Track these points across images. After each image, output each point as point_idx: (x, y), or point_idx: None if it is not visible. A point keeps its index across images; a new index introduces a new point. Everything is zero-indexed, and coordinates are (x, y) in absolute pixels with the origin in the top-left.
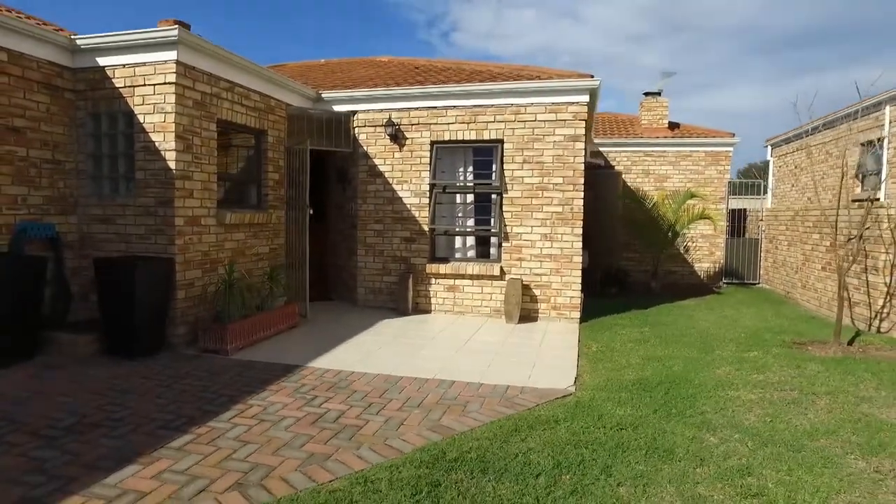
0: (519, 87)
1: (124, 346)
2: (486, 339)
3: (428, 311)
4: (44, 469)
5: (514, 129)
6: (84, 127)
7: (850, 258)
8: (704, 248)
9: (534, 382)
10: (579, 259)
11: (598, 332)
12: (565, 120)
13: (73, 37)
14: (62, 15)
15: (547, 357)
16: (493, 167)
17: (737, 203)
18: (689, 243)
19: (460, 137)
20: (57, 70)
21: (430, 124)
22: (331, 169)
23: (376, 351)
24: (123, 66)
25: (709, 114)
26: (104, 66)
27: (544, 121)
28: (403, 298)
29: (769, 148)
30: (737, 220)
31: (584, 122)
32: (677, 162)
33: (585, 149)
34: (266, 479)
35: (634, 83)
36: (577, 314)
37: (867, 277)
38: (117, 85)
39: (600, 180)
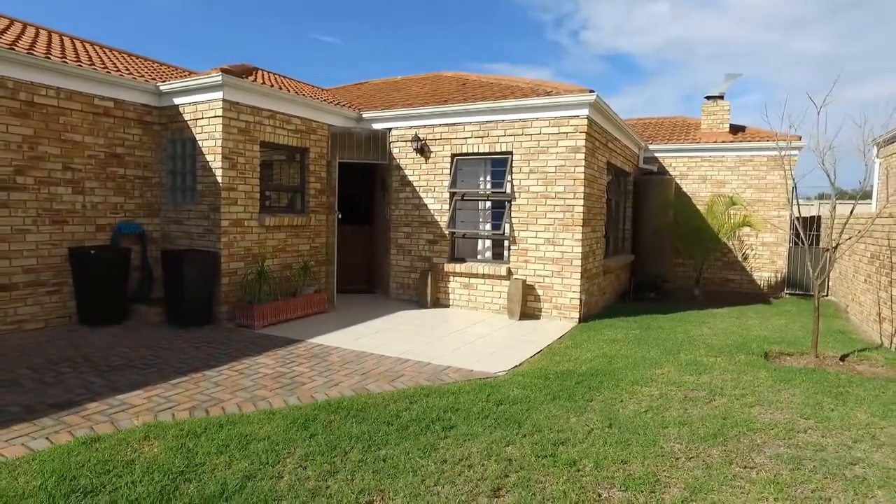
0: (524, 104)
1: (178, 317)
2: (477, 330)
3: (446, 306)
4: (88, 387)
5: (521, 142)
6: (165, 151)
7: (885, 271)
8: (765, 256)
9: (475, 366)
10: (579, 263)
11: (586, 332)
12: (567, 133)
13: (157, 85)
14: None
15: (514, 348)
16: (505, 177)
17: (813, 210)
18: (749, 251)
19: (476, 150)
20: (147, 109)
21: (451, 139)
22: (377, 179)
23: (371, 334)
24: (189, 103)
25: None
26: (178, 105)
27: (548, 134)
28: (423, 293)
29: (875, 148)
30: (811, 228)
31: (584, 134)
32: (736, 167)
33: (587, 159)
34: (211, 407)
35: (782, 74)
36: (577, 314)
37: (893, 292)
38: (186, 118)
39: (650, 186)
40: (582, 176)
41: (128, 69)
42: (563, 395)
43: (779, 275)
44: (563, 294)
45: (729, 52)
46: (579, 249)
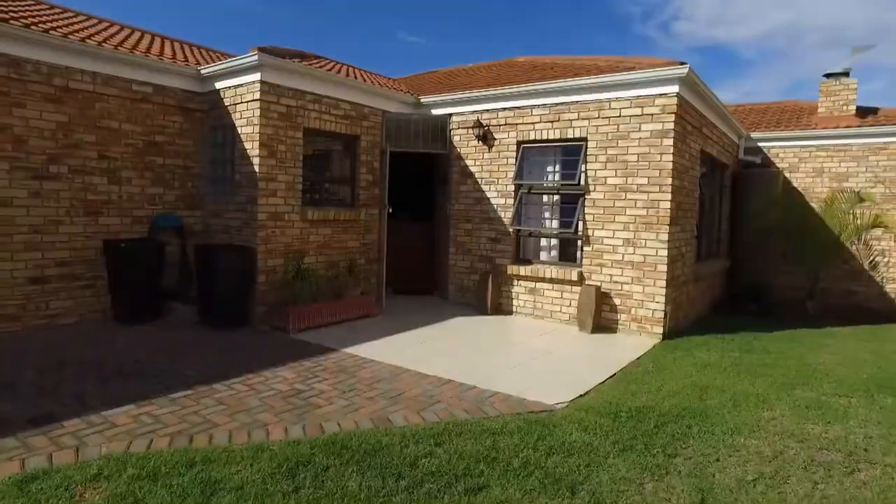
0: (600, 82)
1: (211, 318)
2: (539, 344)
3: (509, 313)
4: (81, 398)
5: (597, 126)
6: (206, 139)
7: None
8: None
9: (529, 392)
10: (665, 268)
11: (671, 352)
12: (652, 114)
13: (199, 69)
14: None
15: (581, 369)
16: (578, 167)
17: None
18: (878, 258)
19: (545, 137)
20: (189, 95)
21: (516, 124)
22: (438, 171)
23: (416, 345)
24: (229, 87)
25: None
26: (219, 89)
27: (629, 116)
28: (484, 298)
29: None
30: None
31: (673, 115)
32: (864, 157)
33: (677, 146)
34: (199, 433)
35: None
36: (660, 329)
37: None
38: (226, 104)
39: (752, 181)
40: (670, 166)
41: (174, 56)
42: (638, 445)
43: None
44: (644, 304)
45: (844, 37)
46: (665, 252)
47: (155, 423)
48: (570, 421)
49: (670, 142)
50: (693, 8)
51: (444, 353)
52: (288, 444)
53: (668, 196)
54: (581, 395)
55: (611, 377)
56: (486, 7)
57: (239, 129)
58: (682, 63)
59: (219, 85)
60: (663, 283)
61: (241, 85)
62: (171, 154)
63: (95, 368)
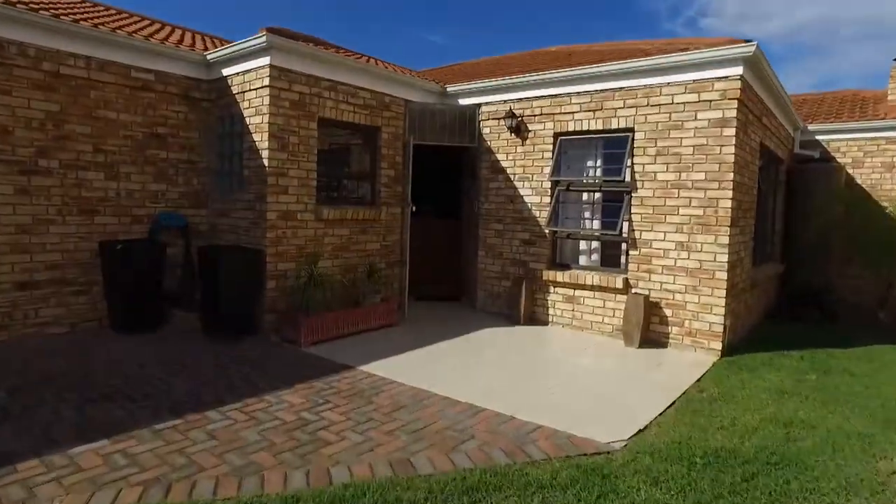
0: (651, 64)
1: (214, 327)
2: (582, 361)
3: (544, 323)
4: (47, 430)
5: (646, 115)
6: (214, 131)
7: None
8: None
9: (577, 426)
10: (724, 275)
11: (735, 372)
12: (710, 101)
13: (205, 54)
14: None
15: (634, 395)
16: (623, 162)
17: None
18: None
19: (586, 128)
20: (194, 83)
21: (554, 114)
22: (465, 166)
23: (442, 359)
24: (237, 73)
25: None
26: (226, 76)
27: (683, 103)
28: (516, 306)
29: None
30: None
31: (736, 101)
32: None
33: (739, 137)
34: (178, 481)
35: None
36: (718, 344)
37: None
38: (234, 91)
39: (810, 176)
40: (731, 159)
41: (180, 41)
42: None
43: None
44: (700, 316)
45: (882, 31)
46: (725, 258)
47: (130, 464)
48: (635, 470)
49: (732, 132)
50: (720, 4)
51: (474, 373)
52: (286, 501)
53: (729, 194)
54: (640, 430)
55: (671, 406)
56: (499, 10)
57: (247, 120)
58: (748, 41)
59: (226, 71)
60: (722, 293)
61: (249, 70)
62: (175, 147)
63: (78, 387)
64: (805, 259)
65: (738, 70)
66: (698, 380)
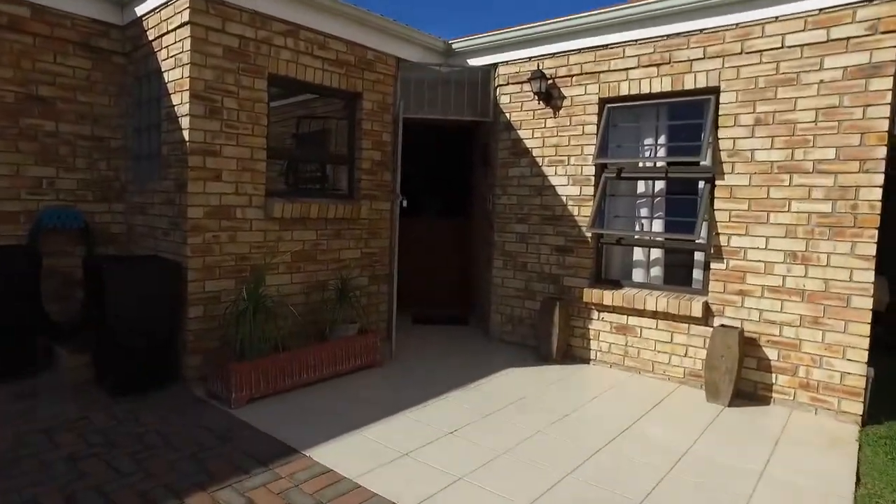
0: None
1: (108, 375)
2: (652, 432)
3: (584, 360)
4: None
5: (738, 67)
6: (130, 96)
7: None
8: None
9: None
10: (868, 303)
11: None
12: (848, 38)
13: None
14: None
15: None
16: (703, 136)
17: None
18: None
19: (645, 90)
20: (101, 28)
21: (599, 73)
22: (476, 147)
23: (443, 441)
24: (153, 10)
25: None
26: (141, 16)
27: (799, 45)
28: (547, 337)
29: None
30: None
31: (893, 34)
32: None
33: None
34: None
35: None
36: (858, 406)
37: None
38: (150, 37)
39: None
40: (884, 125)
41: None
42: None
43: None
44: (826, 361)
45: None
46: (868, 275)
47: None
48: None
49: (887, 84)
50: None
51: (492, 462)
52: None
53: (879, 179)
54: None
55: None
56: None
57: (165, 76)
58: None
59: (140, 9)
60: (865, 329)
61: (166, 4)
62: (70, 117)
63: None
64: None
65: None
66: (858, 475)
